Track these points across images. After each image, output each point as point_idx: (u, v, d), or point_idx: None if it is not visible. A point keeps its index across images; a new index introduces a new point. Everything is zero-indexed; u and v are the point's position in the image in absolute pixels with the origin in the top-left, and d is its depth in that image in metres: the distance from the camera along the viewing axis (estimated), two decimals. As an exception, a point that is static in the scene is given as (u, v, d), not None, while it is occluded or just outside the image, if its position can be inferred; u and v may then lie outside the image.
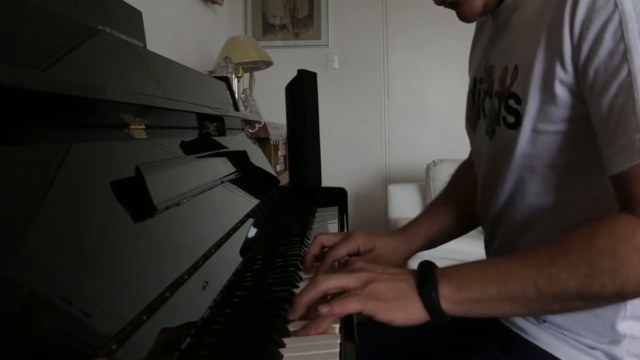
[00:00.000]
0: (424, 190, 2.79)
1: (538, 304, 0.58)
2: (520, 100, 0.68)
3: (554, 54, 0.63)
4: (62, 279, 0.41)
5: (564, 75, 0.62)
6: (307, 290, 0.59)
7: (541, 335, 0.71)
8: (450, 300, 0.58)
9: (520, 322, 0.74)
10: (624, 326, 0.66)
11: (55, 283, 0.40)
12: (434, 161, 2.71)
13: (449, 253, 2.26)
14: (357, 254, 0.83)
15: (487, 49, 0.82)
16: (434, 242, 0.93)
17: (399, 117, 3.17)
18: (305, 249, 0.90)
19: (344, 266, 0.74)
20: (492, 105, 0.75)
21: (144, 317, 0.47)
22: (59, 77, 0.52)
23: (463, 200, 0.93)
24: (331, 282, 0.60)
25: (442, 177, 2.61)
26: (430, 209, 0.97)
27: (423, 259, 0.64)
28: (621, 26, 0.56)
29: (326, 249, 0.82)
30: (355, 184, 3.11)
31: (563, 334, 0.70)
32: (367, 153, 3.18)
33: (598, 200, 0.66)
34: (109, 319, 0.43)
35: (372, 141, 3.18)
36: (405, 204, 2.75)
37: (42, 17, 0.53)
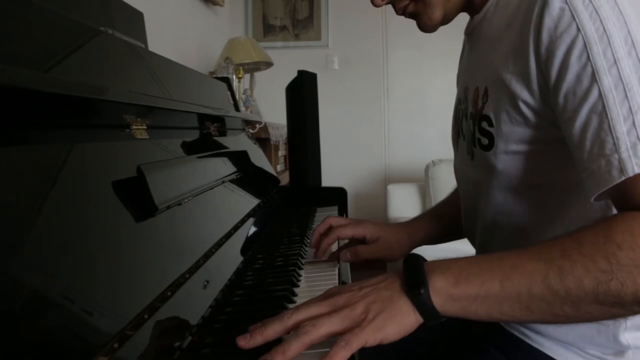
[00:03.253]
0: (423, 190, 2.79)
1: (546, 305, 0.50)
2: (493, 123, 0.68)
3: (520, 79, 0.63)
4: (64, 278, 0.41)
5: (531, 100, 0.62)
6: (271, 325, 0.50)
7: (545, 342, 0.71)
8: (445, 295, 0.51)
9: (524, 329, 0.73)
10: (627, 337, 0.66)
11: (57, 282, 0.40)
12: (433, 161, 2.71)
13: (449, 253, 2.27)
14: (364, 241, 0.86)
15: (465, 69, 0.82)
16: (430, 242, 0.96)
17: (399, 117, 3.17)
18: (306, 248, 0.91)
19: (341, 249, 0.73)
20: (468, 126, 0.76)
21: (146, 316, 0.47)
22: (61, 77, 0.52)
23: (451, 218, 0.94)
24: (300, 315, 0.51)
25: (442, 177, 2.61)
26: (428, 213, 1.00)
27: (411, 254, 0.57)
28: (586, 49, 0.55)
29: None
30: (355, 184, 3.11)
31: (569, 343, 0.70)
32: (367, 153, 3.18)
33: (582, 217, 0.66)
34: (111, 317, 0.43)
35: (372, 141, 3.18)
36: (405, 204, 2.75)
37: (44, 18, 0.53)
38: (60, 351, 0.37)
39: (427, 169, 2.72)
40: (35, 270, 0.39)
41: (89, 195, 0.50)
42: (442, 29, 0.77)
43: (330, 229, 0.86)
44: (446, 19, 0.75)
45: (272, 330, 0.50)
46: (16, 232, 0.39)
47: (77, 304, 0.41)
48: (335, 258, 0.83)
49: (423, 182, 2.77)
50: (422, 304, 0.51)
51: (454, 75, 0.91)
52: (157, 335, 0.48)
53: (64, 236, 0.43)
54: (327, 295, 0.53)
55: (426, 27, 0.75)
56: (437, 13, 0.73)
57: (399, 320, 0.50)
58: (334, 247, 0.89)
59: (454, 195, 0.99)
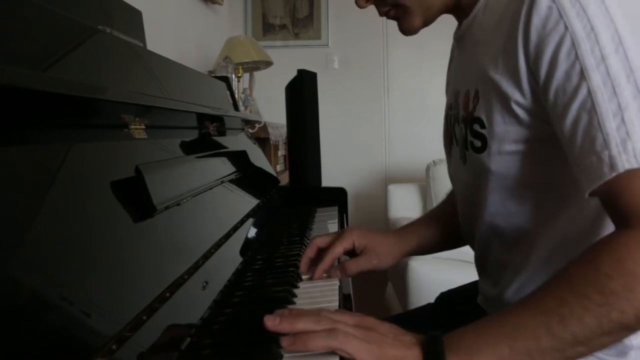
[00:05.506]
0: (424, 190, 2.78)
1: (559, 354, 0.52)
2: (485, 125, 0.68)
3: (510, 78, 0.63)
4: (62, 279, 0.41)
5: (522, 100, 0.63)
6: (303, 320, 0.53)
7: None
8: None
9: None
10: (631, 337, 0.66)
11: (55, 283, 0.40)
12: (434, 161, 2.71)
13: (448, 252, 2.27)
14: (353, 250, 0.84)
15: (456, 74, 0.83)
16: (423, 250, 0.95)
17: (399, 117, 3.17)
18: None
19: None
20: (460, 130, 0.76)
21: (144, 317, 0.47)
22: (59, 76, 0.52)
23: (450, 221, 0.93)
24: (334, 325, 0.53)
25: (443, 177, 2.60)
26: (422, 220, 0.99)
27: (430, 333, 0.56)
28: (574, 46, 0.56)
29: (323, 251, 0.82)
30: (355, 184, 3.10)
31: None
32: (367, 153, 3.17)
33: (578, 214, 0.66)
34: (109, 319, 0.43)
35: (372, 141, 3.17)
36: (405, 204, 2.75)
37: (43, 17, 0.53)
38: (58, 353, 0.37)
39: (427, 169, 2.72)
40: (33, 270, 0.38)
41: (86, 196, 0.50)
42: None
43: (318, 250, 0.82)
44: (426, 24, 0.77)
45: (302, 325, 0.52)
46: (12, 232, 0.38)
47: (75, 305, 0.40)
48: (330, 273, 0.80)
49: (424, 182, 2.76)
50: None
51: (455, 75, 0.90)
52: (156, 336, 0.48)
53: (61, 236, 0.43)
54: (361, 322, 0.54)
55: (406, 32, 0.77)
56: (417, 21, 0.75)
57: None
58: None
59: (452, 197, 0.98)
